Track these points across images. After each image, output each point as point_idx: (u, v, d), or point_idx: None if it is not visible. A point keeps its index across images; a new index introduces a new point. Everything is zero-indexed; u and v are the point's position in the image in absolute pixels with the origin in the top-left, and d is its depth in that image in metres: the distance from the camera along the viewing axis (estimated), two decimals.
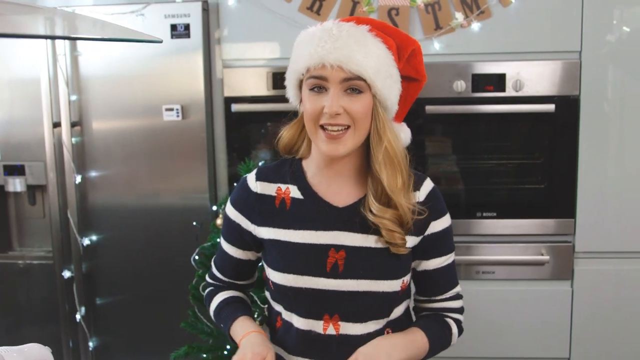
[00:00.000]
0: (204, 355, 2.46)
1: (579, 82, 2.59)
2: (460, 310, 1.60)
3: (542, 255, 2.69)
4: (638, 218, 2.65)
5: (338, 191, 1.49)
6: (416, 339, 1.49)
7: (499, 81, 2.62)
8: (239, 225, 1.54)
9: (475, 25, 2.59)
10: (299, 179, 1.51)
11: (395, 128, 1.47)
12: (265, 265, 1.55)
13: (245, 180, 1.55)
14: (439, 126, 2.71)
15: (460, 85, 2.62)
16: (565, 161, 2.65)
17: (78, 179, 2.76)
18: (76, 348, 2.89)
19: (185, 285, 2.49)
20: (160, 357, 2.59)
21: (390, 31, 1.46)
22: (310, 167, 1.52)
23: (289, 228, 1.48)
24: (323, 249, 1.45)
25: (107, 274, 2.85)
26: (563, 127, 2.64)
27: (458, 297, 1.59)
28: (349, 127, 1.38)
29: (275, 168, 1.55)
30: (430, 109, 2.63)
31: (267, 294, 1.60)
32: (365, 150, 1.46)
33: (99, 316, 2.88)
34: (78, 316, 2.82)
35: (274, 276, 1.49)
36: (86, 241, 2.81)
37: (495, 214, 2.72)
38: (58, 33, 1.51)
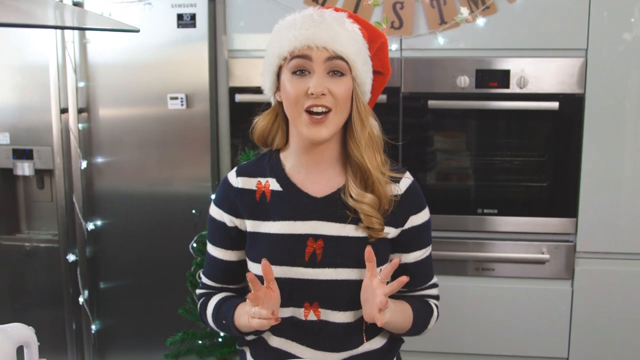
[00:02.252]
0: (200, 342, 2.49)
1: (584, 81, 2.56)
2: (437, 298, 1.63)
3: (543, 253, 2.68)
4: None
5: (316, 181, 1.52)
6: (405, 310, 1.53)
7: (503, 77, 2.60)
8: (224, 225, 1.56)
9: (480, 21, 2.57)
10: (278, 172, 1.53)
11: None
12: (247, 260, 1.56)
13: (226, 178, 1.58)
14: (442, 121, 2.70)
15: (464, 81, 2.61)
16: (569, 160, 2.63)
17: (84, 164, 2.80)
18: (79, 331, 2.94)
19: (186, 272, 2.53)
20: (161, 342, 2.62)
21: (361, 22, 1.50)
22: (289, 159, 1.54)
23: (268, 220, 1.51)
24: (301, 239, 1.48)
25: (111, 258, 2.89)
26: (567, 126, 2.61)
27: (435, 285, 1.63)
28: (330, 110, 1.41)
29: (255, 162, 1.59)
30: (433, 103, 2.63)
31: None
32: (342, 138, 1.50)
33: (102, 300, 2.93)
34: (81, 299, 2.87)
35: (254, 268, 1.51)
36: (91, 226, 2.85)
37: (496, 211, 2.70)
38: (43, 22, 1.52)
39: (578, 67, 2.56)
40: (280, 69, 1.45)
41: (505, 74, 2.60)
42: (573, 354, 2.73)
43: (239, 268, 1.59)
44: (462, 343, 2.79)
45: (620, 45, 2.53)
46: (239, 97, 2.73)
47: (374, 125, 1.49)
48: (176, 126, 2.75)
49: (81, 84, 2.78)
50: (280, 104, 1.50)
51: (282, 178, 1.53)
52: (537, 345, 2.75)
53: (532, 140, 2.71)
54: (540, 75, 2.58)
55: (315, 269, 1.47)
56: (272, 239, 1.49)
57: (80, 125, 2.79)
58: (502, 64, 2.60)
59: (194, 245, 2.53)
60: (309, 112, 1.41)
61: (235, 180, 1.56)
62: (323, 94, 1.39)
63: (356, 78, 1.43)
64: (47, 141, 2.82)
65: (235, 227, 1.55)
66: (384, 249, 1.52)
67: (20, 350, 1.44)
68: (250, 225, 1.53)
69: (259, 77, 2.70)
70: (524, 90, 2.60)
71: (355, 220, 1.48)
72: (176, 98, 2.71)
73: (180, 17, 2.67)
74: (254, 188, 1.53)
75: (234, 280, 1.62)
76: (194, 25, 2.68)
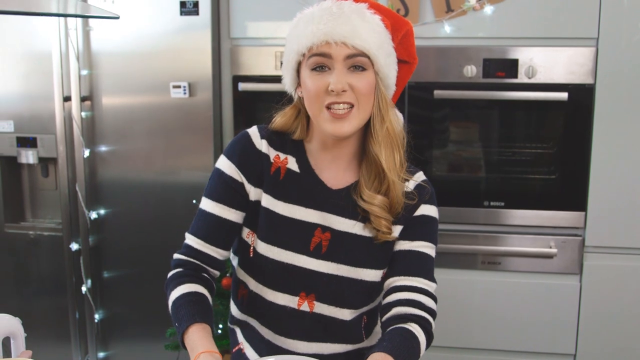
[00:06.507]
0: None
1: (594, 71, 2.50)
2: (431, 312, 1.45)
3: (551, 248, 2.62)
4: None
5: (334, 173, 1.48)
6: None
7: (511, 67, 2.54)
8: (233, 181, 1.48)
9: (488, 9, 2.51)
10: (299, 152, 1.49)
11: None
12: (246, 230, 1.51)
13: (248, 135, 1.50)
14: (448, 111, 2.65)
15: (471, 70, 2.55)
16: (578, 152, 2.56)
17: (86, 153, 2.79)
18: (82, 320, 2.93)
19: None
20: (164, 332, 2.61)
21: (384, 11, 1.44)
22: (310, 146, 1.49)
23: (280, 199, 1.47)
24: (310, 227, 1.45)
25: (114, 247, 2.88)
26: (577, 117, 2.55)
27: (431, 295, 1.47)
28: (353, 105, 1.37)
29: (277, 133, 1.51)
30: (438, 93, 2.57)
31: (234, 260, 1.57)
32: (362, 134, 1.45)
33: (105, 289, 2.92)
34: (84, 288, 2.86)
35: (260, 245, 1.47)
36: (94, 215, 2.84)
37: (503, 204, 2.64)
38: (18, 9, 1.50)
39: (588, 56, 2.49)
40: (299, 64, 1.40)
41: (514, 63, 2.54)
42: (581, 351, 2.68)
43: (232, 231, 1.50)
44: (467, 338, 2.75)
45: (633, 35, 2.45)
46: (242, 86, 2.70)
47: (394, 120, 1.43)
48: (179, 115, 2.73)
49: (84, 72, 2.76)
50: (301, 100, 1.44)
51: (303, 160, 1.48)
52: (544, 341, 2.69)
53: (541, 132, 2.65)
54: (549, 65, 2.52)
55: (318, 260, 1.45)
56: (279, 219, 1.46)
57: (83, 114, 2.77)
58: (510, 53, 2.54)
59: None
60: (330, 108, 1.36)
61: (259, 142, 1.48)
62: (344, 91, 1.34)
63: (379, 72, 1.38)
64: (50, 129, 2.81)
65: (243, 187, 1.48)
66: (389, 249, 1.48)
67: (6, 341, 1.44)
68: (261, 197, 1.47)
69: (262, 65, 2.71)
70: (533, 80, 2.53)
71: (365, 219, 1.45)
72: (179, 87, 2.68)
73: (183, 4, 2.64)
74: (272, 160, 1.48)
75: (221, 243, 1.50)
76: (196, 12, 2.64)
